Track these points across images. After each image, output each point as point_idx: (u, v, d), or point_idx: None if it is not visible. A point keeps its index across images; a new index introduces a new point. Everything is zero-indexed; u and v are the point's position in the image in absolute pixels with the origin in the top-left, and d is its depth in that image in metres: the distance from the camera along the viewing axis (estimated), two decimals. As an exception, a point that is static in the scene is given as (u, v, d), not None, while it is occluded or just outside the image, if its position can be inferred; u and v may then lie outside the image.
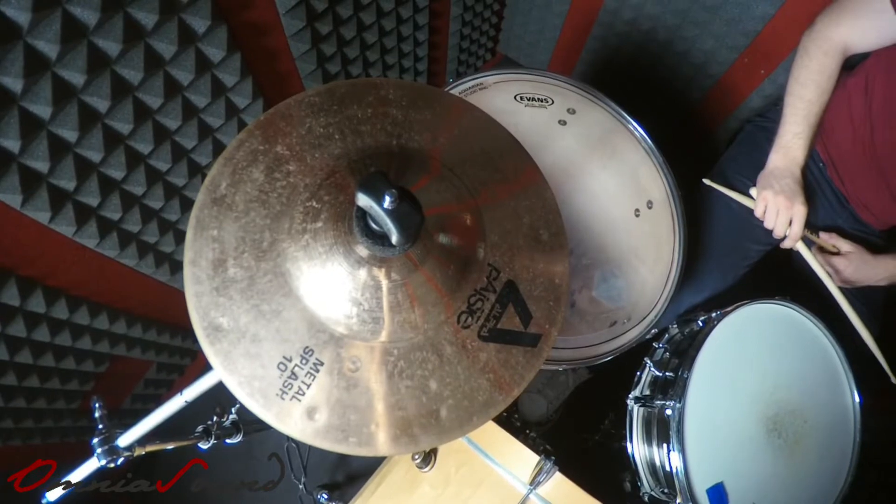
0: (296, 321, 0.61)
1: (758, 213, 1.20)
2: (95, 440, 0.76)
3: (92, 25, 0.85)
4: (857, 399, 1.18)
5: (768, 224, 1.19)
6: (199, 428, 1.02)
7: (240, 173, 0.65)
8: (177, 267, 1.41)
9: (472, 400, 0.64)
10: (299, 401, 0.60)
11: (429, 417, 0.63)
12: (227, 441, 1.07)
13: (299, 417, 0.60)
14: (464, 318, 0.65)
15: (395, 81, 0.76)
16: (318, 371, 0.61)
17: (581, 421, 1.64)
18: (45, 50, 0.81)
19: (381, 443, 0.61)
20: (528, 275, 0.71)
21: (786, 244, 1.21)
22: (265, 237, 0.63)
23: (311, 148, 0.68)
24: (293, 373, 0.60)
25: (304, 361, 0.60)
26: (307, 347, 0.61)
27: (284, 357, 0.60)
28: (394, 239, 0.55)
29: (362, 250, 0.61)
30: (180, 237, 1.35)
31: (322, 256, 0.61)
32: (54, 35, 0.80)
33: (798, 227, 1.17)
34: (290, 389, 0.60)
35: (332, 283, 0.61)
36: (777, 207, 1.16)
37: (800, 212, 1.16)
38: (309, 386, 0.60)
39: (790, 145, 1.17)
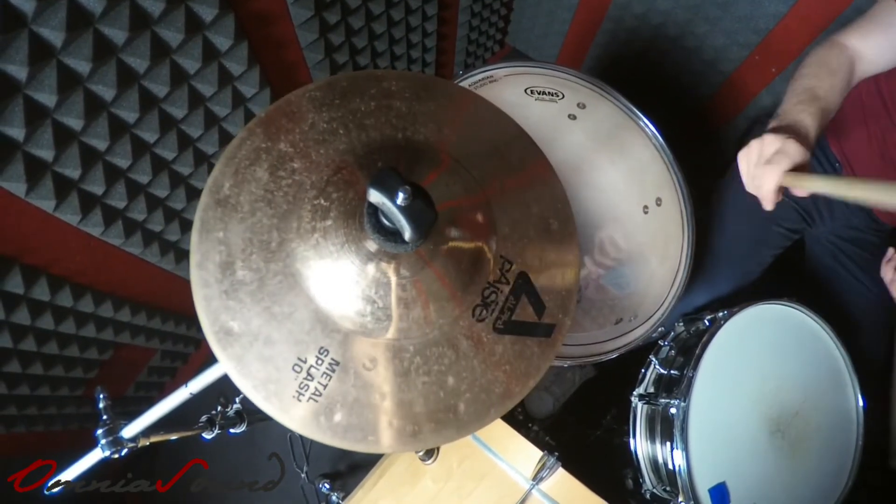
0: (309, 322, 0.60)
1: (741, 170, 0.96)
2: (99, 431, 0.76)
3: (98, 13, 0.84)
4: (860, 403, 1.18)
5: (744, 173, 0.95)
6: (203, 418, 1.02)
7: (243, 173, 0.64)
8: (182, 255, 1.41)
9: (490, 393, 0.64)
10: (316, 402, 0.59)
11: (447, 412, 0.62)
12: (231, 431, 1.07)
13: (318, 419, 0.60)
14: (478, 312, 0.65)
15: (397, 73, 0.75)
16: (333, 371, 0.60)
17: (583, 416, 1.64)
18: (51, 38, 0.80)
19: (401, 440, 0.61)
20: (540, 265, 0.71)
21: (765, 185, 0.90)
22: (273, 237, 0.61)
23: (315, 144, 0.66)
24: (309, 374, 0.59)
25: (319, 362, 0.60)
26: (322, 348, 0.60)
27: (299, 358, 0.60)
28: (407, 235, 0.55)
29: (374, 247, 0.60)
30: (186, 226, 1.35)
31: (333, 255, 0.60)
32: (60, 23, 0.79)
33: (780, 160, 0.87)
34: (306, 391, 0.59)
35: (345, 282, 0.60)
36: (759, 145, 0.91)
37: (791, 147, 0.87)
38: (325, 386, 0.60)
39: (788, 110, 0.97)
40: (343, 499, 1.45)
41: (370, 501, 1.09)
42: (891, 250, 1.22)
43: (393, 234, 0.58)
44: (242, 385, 0.59)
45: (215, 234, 0.61)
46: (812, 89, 0.99)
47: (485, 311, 0.65)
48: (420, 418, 0.62)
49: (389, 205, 0.53)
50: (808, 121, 0.94)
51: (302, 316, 0.60)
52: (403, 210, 0.53)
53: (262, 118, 0.67)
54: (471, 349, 0.64)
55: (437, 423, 0.62)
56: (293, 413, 0.59)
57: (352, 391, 0.60)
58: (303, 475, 1.69)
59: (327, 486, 1.67)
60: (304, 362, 0.60)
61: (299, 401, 0.59)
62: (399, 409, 0.61)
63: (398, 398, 0.61)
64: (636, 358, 1.18)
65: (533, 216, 0.74)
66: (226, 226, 0.61)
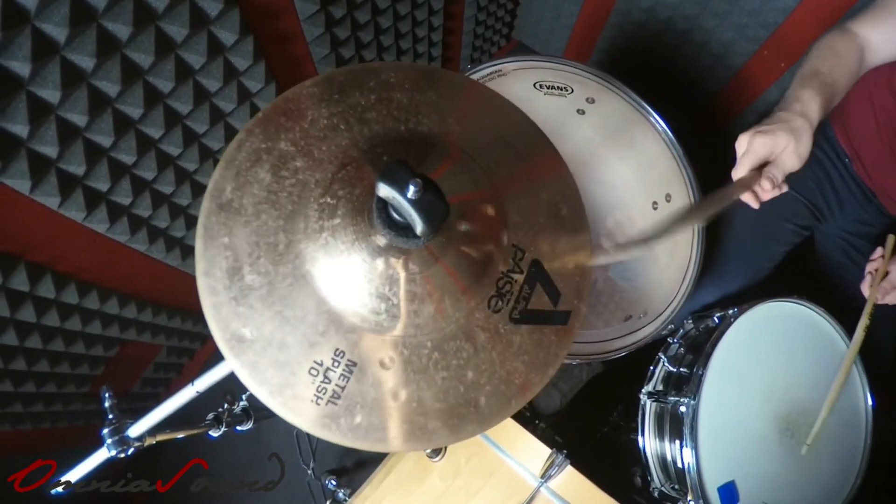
0: (322, 323, 0.59)
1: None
2: (105, 430, 0.76)
3: (101, 8, 0.83)
4: (869, 402, 1.17)
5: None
6: (210, 416, 1.02)
7: (244, 175, 0.62)
8: (187, 251, 1.41)
9: (510, 384, 0.64)
10: (336, 404, 0.58)
11: (468, 407, 0.62)
12: (238, 428, 1.07)
13: (338, 422, 0.59)
14: (494, 303, 0.64)
15: (394, 64, 0.74)
16: (351, 372, 0.59)
17: (590, 412, 1.64)
18: (54, 34, 0.79)
19: (423, 437, 0.60)
20: (553, 252, 0.70)
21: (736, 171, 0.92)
22: (280, 239, 0.60)
23: (317, 141, 0.65)
24: (326, 377, 0.58)
25: (335, 364, 0.59)
26: (338, 349, 0.59)
27: (315, 362, 0.58)
28: (419, 230, 0.54)
29: (385, 243, 0.59)
30: (192, 222, 1.34)
31: (344, 254, 0.59)
32: (63, 18, 0.78)
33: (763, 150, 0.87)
34: (324, 394, 0.58)
35: (357, 281, 0.59)
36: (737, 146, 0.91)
37: (755, 143, 0.88)
38: (344, 388, 0.59)
39: (789, 92, 0.98)
40: (349, 495, 1.45)
41: (377, 498, 1.08)
42: (879, 249, 1.21)
43: (404, 229, 0.57)
44: (258, 392, 0.57)
45: (220, 240, 0.60)
46: (814, 67, 1.00)
47: (500, 302, 0.64)
48: (441, 414, 0.61)
49: (400, 199, 0.52)
50: (806, 94, 0.94)
51: (315, 318, 0.59)
52: (414, 203, 0.52)
53: (259, 118, 0.66)
54: (488, 341, 0.63)
55: (458, 418, 0.61)
56: (313, 418, 0.58)
57: (371, 391, 0.59)
58: (309, 471, 1.69)
59: (334, 482, 1.67)
60: (321, 365, 0.58)
61: (318, 405, 0.58)
62: (420, 406, 0.60)
63: (418, 395, 0.60)
64: (643, 354, 1.17)
65: (542, 203, 0.73)
66: (230, 230, 0.60)
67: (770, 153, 0.89)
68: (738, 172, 0.91)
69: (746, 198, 0.93)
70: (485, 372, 0.63)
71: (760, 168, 0.91)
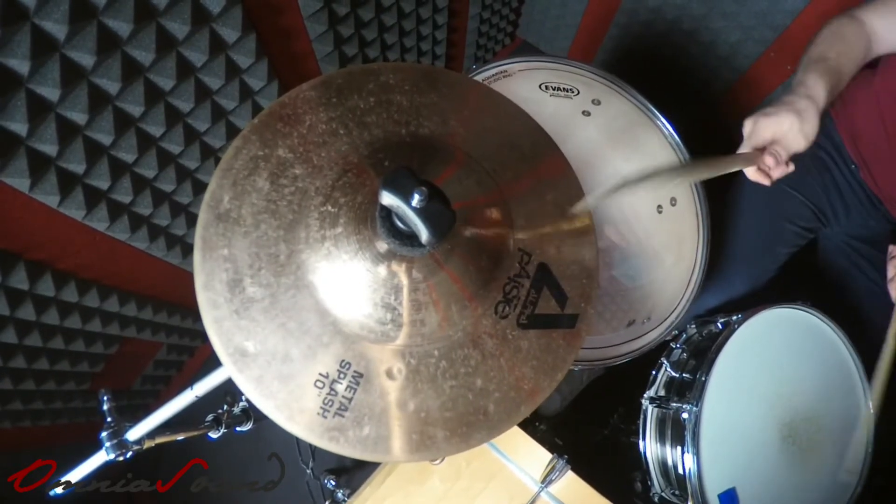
0: (327, 335, 0.58)
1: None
2: (104, 433, 0.75)
3: (101, 5, 0.82)
4: (871, 409, 1.15)
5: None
6: (210, 417, 1.01)
7: (242, 184, 0.61)
8: (188, 249, 1.40)
9: (519, 390, 0.63)
10: (343, 417, 0.58)
11: (477, 415, 0.61)
12: (238, 429, 1.06)
13: (346, 434, 0.58)
14: (501, 308, 0.63)
15: (393, 65, 0.72)
16: (358, 384, 0.58)
17: (590, 414, 1.63)
18: (53, 31, 0.78)
19: (432, 446, 0.60)
20: (559, 255, 0.69)
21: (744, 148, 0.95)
22: (281, 250, 0.59)
23: (315, 147, 0.64)
24: (332, 389, 0.57)
25: (341, 376, 0.58)
26: (343, 361, 0.58)
27: (321, 374, 0.58)
28: (424, 239, 0.52)
29: (388, 252, 0.58)
30: (193, 220, 1.33)
31: (347, 264, 0.58)
32: (62, 15, 0.77)
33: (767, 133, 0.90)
34: (331, 406, 0.57)
35: (361, 291, 0.58)
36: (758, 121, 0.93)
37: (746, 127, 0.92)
38: (351, 400, 0.58)
39: (797, 80, 0.99)
40: (348, 495, 1.45)
41: (377, 500, 1.07)
42: (892, 247, 1.20)
43: (409, 238, 0.55)
44: (264, 406, 0.57)
45: (219, 252, 0.58)
46: (821, 52, 1.01)
47: (507, 308, 0.64)
48: (450, 423, 0.60)
49: (404, 207, 0.50)
50: (811, 79, 0.96)
51: (319, 329, 0.58)
52: (420, 212, 0.50)
53: (255, 124, 0.64)
54: (496, 348, 0.63)
55: (467, 426, 0.60)
56: (320, 431, 0.57)
57: (378, 402, 0.59)
58: (308, 471, 1.68)
59: (333, 482, 1.66)
60: (326, 377, 0.58)
61: (325, 417, 0.57)
62: (429, 415, 0.60)
63: (427, 405, 0.60)
64: (645, 356, 1.17)
65: (548, 204, 0.72)
66: (229, 242, 0.59)
67: (774, 134, 0.91)
68: (741, 152, 0.93)
69: (757, 176, 0.94)
70: (493, 379, 0.62)
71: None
